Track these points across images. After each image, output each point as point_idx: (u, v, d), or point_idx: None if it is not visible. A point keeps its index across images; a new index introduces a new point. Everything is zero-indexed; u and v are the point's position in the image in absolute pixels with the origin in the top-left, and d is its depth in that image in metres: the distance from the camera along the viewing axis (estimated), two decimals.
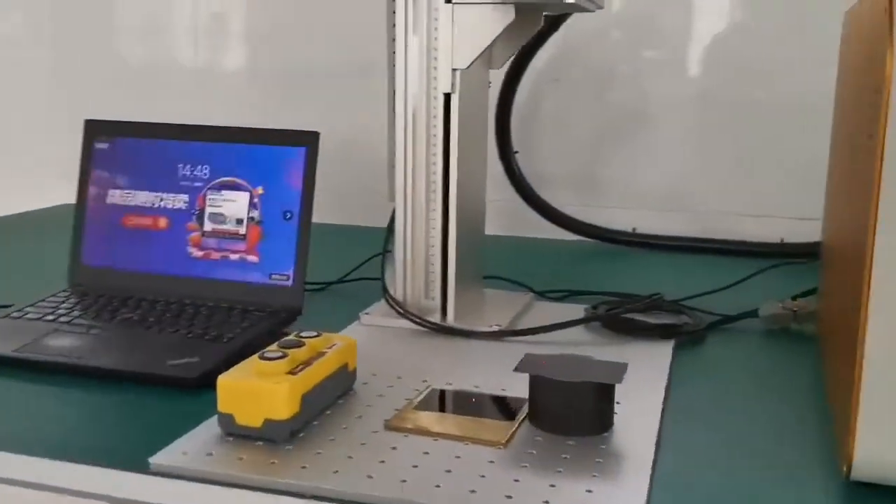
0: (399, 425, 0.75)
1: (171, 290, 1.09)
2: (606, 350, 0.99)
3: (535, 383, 0.76)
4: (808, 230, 1.47)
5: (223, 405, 0.73)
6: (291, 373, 0.74)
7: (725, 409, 0.84)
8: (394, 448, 0.71)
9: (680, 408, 0.83)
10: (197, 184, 1.11)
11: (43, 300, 1.08)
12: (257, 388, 0.72)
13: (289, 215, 1.08)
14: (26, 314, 1.03)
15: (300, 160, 1.08)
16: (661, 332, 1.03)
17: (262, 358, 0.75)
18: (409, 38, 1.01)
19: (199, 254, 1.11)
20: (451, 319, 1.05)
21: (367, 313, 1.07)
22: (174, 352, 0.91)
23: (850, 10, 0.98)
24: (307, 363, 0.76)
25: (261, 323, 1.01)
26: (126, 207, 1.14)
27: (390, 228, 1.10)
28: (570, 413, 0.74)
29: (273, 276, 1.08)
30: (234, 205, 1.10)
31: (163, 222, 1.12)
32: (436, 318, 1.05)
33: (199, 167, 1.11)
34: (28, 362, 0.91)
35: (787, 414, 0.83)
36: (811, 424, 0.80)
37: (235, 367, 0.75)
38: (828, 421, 0.80)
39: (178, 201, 1.12)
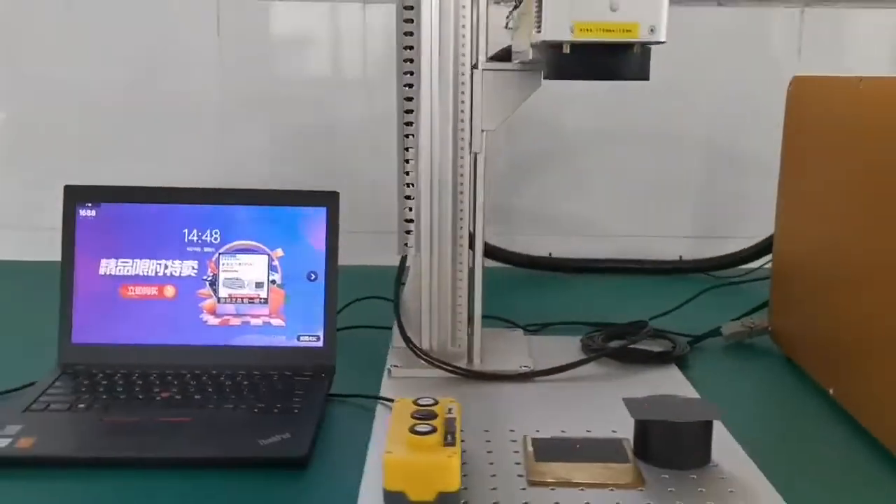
0: (541, 480, 0.81)
1: (185, 360, 1.05)
2: (626, 380, 1.10)
3: (648, 426, 0.85)
4: (702, 248, 1.70)
5: (392, 483, 0.74)
6: (447, 444, 0.77)
7: (763, 419, 0.99)
8: None
9: (732, 425, 0.96)
10: (207, 249, 1.07)
11: (50, 386, 0.99)
12: (431, 464, 0.74)
13: (313, 276, 1.07)
14: (48, 406, 0.94)
15: (321, 221, 1.08)
16: (659, 359, 1.16)
17: (414, 432, 0.77)
18: (434, 100, 1.05)
19: (216, 321, 1.07)
20: (478, 364, 1.11)
21: (395, 366, 1.10)
22: (251, 430, 0.89)
23: (800, 76, 1.17)
24: (449, 431, 0.79)
25: (313, 388, 1.00)
26: (124, 278, 1.07)
27: (401, 280, 1.13)
28: (683, 449, 0.84)
29: (302, 338, 1.07)
30: (251, 269, 1.07)
31: (170, 291, 1.07)
32: (464, 363, 1.11)
33: (209, 231, 1.07)
34: (106, 460, 0.84)
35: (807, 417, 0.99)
36: (837, 424, 0.97)
37: (388, 442, 0.76)
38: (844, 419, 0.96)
39: (187, 268, 1.07)
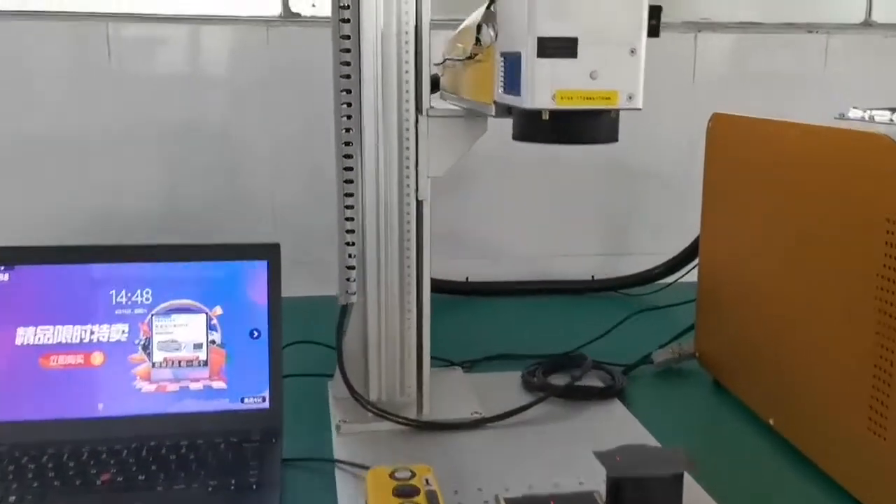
0: None
1: (120, 433, 0.97)
2: (575, 420, 1.10)
3: (622, 482, 0.86)
4: (612, 265, 1.74)
5: None
6: None
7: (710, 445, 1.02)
8: None
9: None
10: (138, 310, 1.00)
11: None
12: None
13: (256, 334, 1.02)
14: None
15: (262, 274, 1.02)
16: (601, 394, 1.18)
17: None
18: (380, 147, 1.02)
19: (151, 388, 0.99)
20: (428, 412, 1.09)
21: (344, 421, 1.06)
22: None
23: (719, 113, 1.21)
24: (432, 500, 0.77)
25: (265, 455, 0.95)
26: (44, 347, 0.98)
27: (342, 330, 1.10)
28: (657, 501, 0.85)
29: (246, 400, 1.01)
30: (188, 329, 1.00)
31: (98, 358, 0.99)
32: (413, 412, 1.08)
33: (139, 292, 1.00)
34: None
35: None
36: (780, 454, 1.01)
37: None
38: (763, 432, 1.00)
39: (116, 332, 0.99)
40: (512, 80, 0.76)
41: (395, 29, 0.99)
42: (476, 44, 0.86)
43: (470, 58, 0.90)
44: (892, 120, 0.98)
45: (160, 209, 1.62)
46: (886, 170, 0.82)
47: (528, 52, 0.72)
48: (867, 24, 1.81)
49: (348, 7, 0.99)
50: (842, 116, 1.06)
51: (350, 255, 1.07)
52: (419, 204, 1.04)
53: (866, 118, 1.03)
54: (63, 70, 1.56)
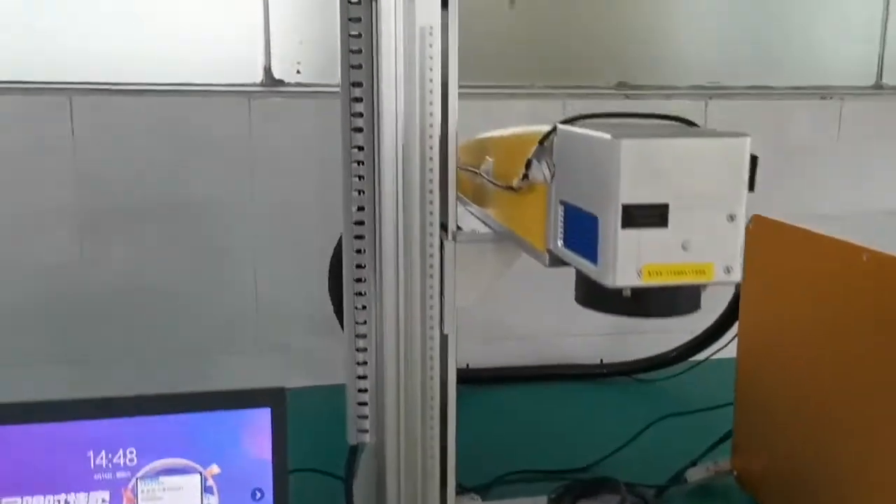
0: None
1: None
2: None
3: None
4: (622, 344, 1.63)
5: None
6: None
7: None
8: None
9: None
10: (121, 473, 0.85)
11: None
12: None
13: (259, 494, 0.88)
14: None
15: (264, 424, 0.88)
16: None
17: None
18: (399, 273, 0.89)
19: None
20: None
21: None
22: None
23: (759, 216, 1.10)
24: None
25: None
26: None
27: (352, 472, 0.97)
28: None
29: None
30: (180, 493, 0.86)
31: None
32: None
33: (122, 451, 0.85)
34: None
35: None
36: None
37: None
38: None
39: (95, 501, 0.85)
40: (581, 242, 0.64)
41: (419, 133, 0.87)
42: (523, 178, 0.74)
43: (510, 188, 0.78)
44: None
45: (131, 287, 1.47)
46: None
47: (610, 219, 0.60)
48: (878, 86, 1.73)
49: (360, 85, 0.86)
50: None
51: (362, 390, 0.94)
52: (444, 338, 0.92)
53: None
54: (21, 144, 1.40)
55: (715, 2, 1.63)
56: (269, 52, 1.47)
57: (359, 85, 0.87)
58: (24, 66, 1.38)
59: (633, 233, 0.59)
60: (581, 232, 0.64)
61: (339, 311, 1.39)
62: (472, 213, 0.98)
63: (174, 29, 1.42)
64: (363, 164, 0.89)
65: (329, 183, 1.46)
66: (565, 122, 0.69)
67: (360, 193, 0.90)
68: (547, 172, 0.70)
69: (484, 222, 0.93)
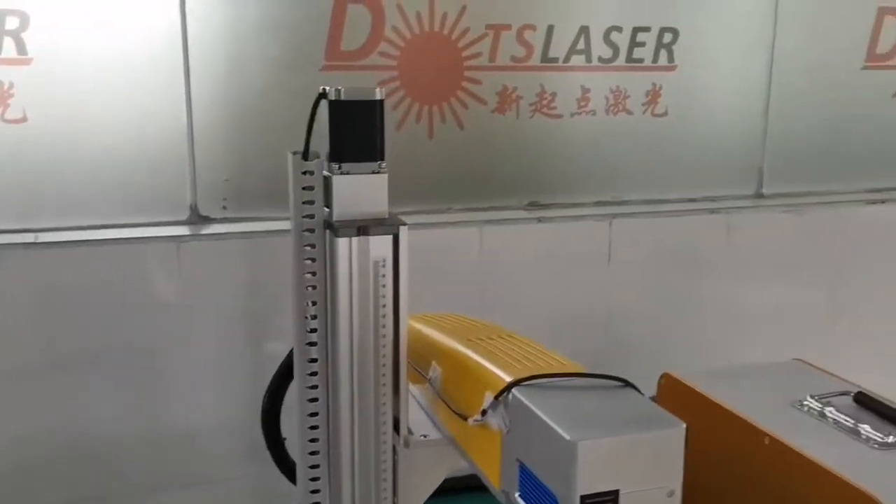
0: None
1: None
2: None
3: None
4: None
5: None
6: None
7: None
8: None
9: None
10: None
11: None
12: None
13: None
14: None
15: None
16: None
17: None
18: (357, 483, 0.95)
19: None
20: None
21: None
22: None
23: (669, 374, 1.21)
24: None
25: None
26: None
27: None
28: None
29: None
30: None
31: None
32: None
33: None
34: None
35: None
36: None
37: None
38: None
39: None
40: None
41: (372, 351, 0.93)
42: (479, 419, 0.82)
43: (464, 418, 0.85)
44: (856, 425, 1.00)
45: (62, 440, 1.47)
46: None
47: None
48: (759, 195, 1.90)
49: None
50: (799, 404, 1.08)
51: None
52: None
53: (823, 415, 1.05)
54: None
55: (611, 130, 1.76)
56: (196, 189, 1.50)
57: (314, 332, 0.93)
58: None
59: None
60: (538, 497, 0.73)
61: (272, 448, 1.43)
62: (414, 397, 1.05)
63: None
64: (316, 361, 0.95)
65: (259, 332, 1.50)
66: (519, 381, 0.77)
67: (312, 378, 0.96)
68: (503, 425, 0.78)
69: (428, 415, 1.00)
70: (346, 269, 0.91)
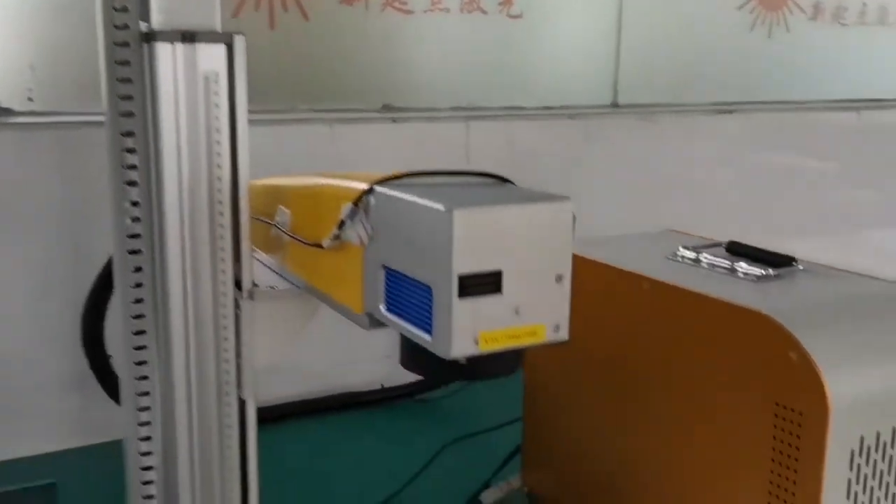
0: None
1: None
2: None
3: None
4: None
5: None
6: None
7: None
8: None
9: None
10: None
11: None
12: None
13: None
14: None
15: None
16: None
17: None
18: (192, 342, 0.81)
19: None
20: None
21: None
22: None
23: None
24: None
25: None
26: None
27: None
28: None
29: None
30: None
31: None
32: None
33: None
34: None
35: None
36: None
37: None
38: None
39: None
40: (411, 310, 0.62)
41: (206, 184, 0.79)
42: (334, 238, 0.70)
43: (318, 246, 0.73)
44: (731, 266, 0.97)
45: None
46: (774, 354, 0.79)
47: (445, 290, 0.57)
48: (615, 105, 1.87)
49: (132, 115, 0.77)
50: (673, 255, 1.04)
51: (147, 467, 0.84)
52: (243, 404, 0.85)
53: (699, 261, 1.01)
54: None
55: (466, 31, 1.67)
56: None
57: (130, 134, 0.78)
58: None
59: (468, 302, 0.58)
60: (410, 300, 0.62)
61: (97, 370, 1.25)
62: (262, 263, 0.92)
63: None
64: (138, 204, 0.80)
65: (78, 229, 1.32)
66: (381, 181, 0.66)
67: (135, 254, 0.80)
68: (363, 234, 0.67)
69: (279, 274, 0.88)
70: (170, 86, 0.76)
